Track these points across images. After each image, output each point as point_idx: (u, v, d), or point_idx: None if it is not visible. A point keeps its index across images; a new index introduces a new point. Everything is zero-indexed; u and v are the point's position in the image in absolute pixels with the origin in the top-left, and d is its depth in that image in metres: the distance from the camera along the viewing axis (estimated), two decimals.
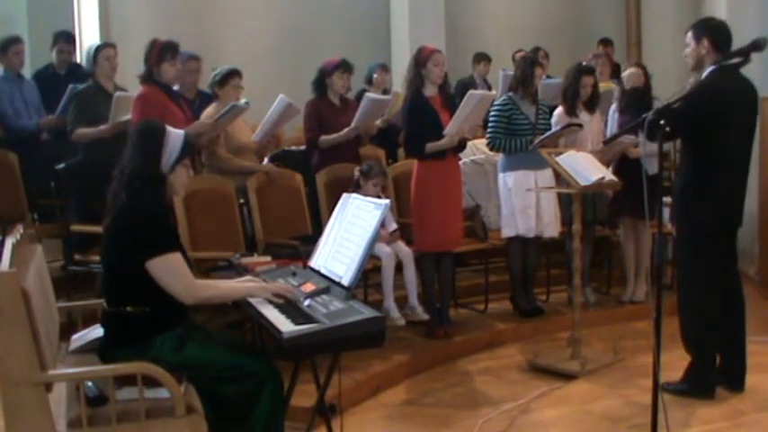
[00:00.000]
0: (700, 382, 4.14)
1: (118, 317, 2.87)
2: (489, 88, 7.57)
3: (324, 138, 5.40)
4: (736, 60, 3.84)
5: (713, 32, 4.03)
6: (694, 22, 4.18)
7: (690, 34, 4.08)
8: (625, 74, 5.91)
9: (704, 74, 4.01)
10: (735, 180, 4.07)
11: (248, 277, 3.28)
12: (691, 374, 4.18)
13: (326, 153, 5.44)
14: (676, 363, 4.20)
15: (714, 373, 4.18)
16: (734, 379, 4.21)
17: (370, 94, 5.65)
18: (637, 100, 5.69)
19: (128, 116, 4.94)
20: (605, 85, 6.48)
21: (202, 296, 2.91)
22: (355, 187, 4.89)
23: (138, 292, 2.84)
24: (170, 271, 2.83)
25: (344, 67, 5.47)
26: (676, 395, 4.11)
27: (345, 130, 5.37)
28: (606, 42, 8.61)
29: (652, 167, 5.12)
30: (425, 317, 5.13)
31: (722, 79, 3.92)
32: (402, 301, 5.11)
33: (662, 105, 3.46)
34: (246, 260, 4.13)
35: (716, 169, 3.99)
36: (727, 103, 3.91)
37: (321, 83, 5.48)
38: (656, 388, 3.22)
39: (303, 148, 5.87)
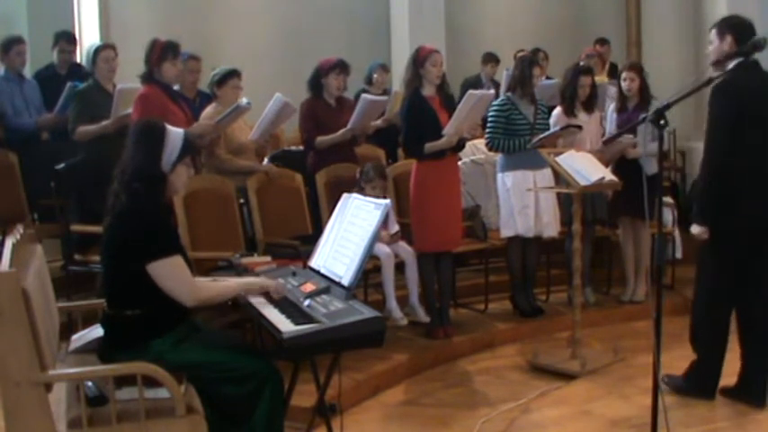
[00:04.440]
0: (701, 382, 4.10)
1: (118, 320, 2.87)
2: (498, 88, 7.56)
3: (320, 138, 5.38)
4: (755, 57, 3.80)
5: (737, 30, 3.95)
6: (719, 19, 4.09)
7: (713, 32, 4.02)
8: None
9: (726, 69, 3.91)
10: (754, 178, 3.94)
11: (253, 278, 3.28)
12: (693, 373, 4.14)
13: (322, 153, 5.42)
14: (676, 363, 4.19)
15: (718, 375, 4.09)
16: (755, 394, 4.04)
17: (366, 96, 5.64)
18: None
19: (130, 109, 4.92)
20: (599, 79, 6.49)
21: (203, 297, 2.91)
22: (358, 188, 4.88)
23: (137, 295, 2.83)
24: (171, 274, 2.82)
25: (341, 67, 5.44)
26: (675, 393, 4.09)
27: (341, 131, 5.36)
28: (603, 42, 8.61)
29: (650, 167, 5.13)
30: (426, 319, 5.12)
31: (743, 76, 3.85)
32: (404, 301, 5.11)
33: (662, 105, 3.45)
34: (246, 260, 4.12)
35: (735, 167, 3.89)
36: (747, 99, 3.85)
37: (317, 82, 5.45)
38: (656, 388, 3.22)
39: (303, 147, 5.86)
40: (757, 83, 3.91)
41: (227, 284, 3.07)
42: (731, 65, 3.90)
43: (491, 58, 8.24)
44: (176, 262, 2.84)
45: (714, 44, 4.02)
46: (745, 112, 3.85)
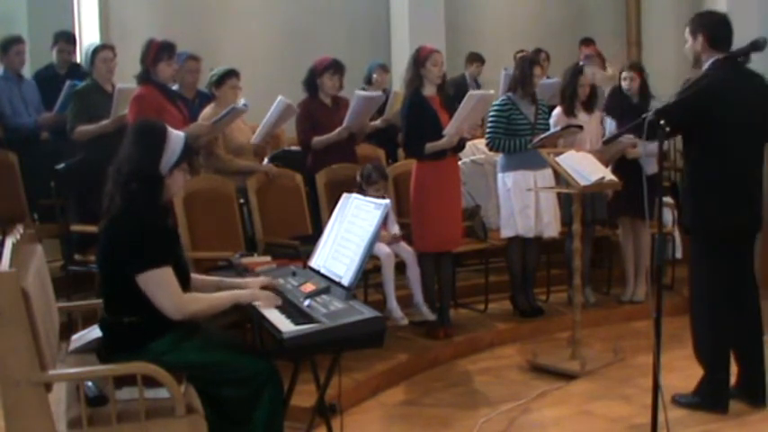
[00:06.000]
0: (712, 395, 3.96)
1: (116, 325, 2.86)
2: (479, 88, 7.56)
3: (317, 139, 5.35)
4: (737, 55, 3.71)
5: (709, 28, 3.80)
6: (692, 16, 3.93)
7: (687, 29, 3.88)
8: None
9: (704, 68, 3.81)
10: (737, 180, 3.81)
11: (254, 279, 3.27)
12: (703, 387, 4.00)
13: (321, 153, 5.40)
14: (676, 363, 4.19)
15: (728, 386, 3.97)
16: (755, 394, 3.98)
17: (360, 93, 5.60)
18: (620, 102, 5.68)
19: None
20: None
21: (190, 311, 2.84)
22: (359, 190, 4.88)
23: (134, 301, 2.79)
24: (158, 287, 2.77)
25: (335, 68, 5.40)
26: (688, 409, 3.98)
27: (337, 130, 5.33)
28: (588, 42, 8.58)
29: (650, 167, 5.13)
30: (432, 317, 5.09)
31: (720, 74, 3.73)
32: (404, 301, 5.11)
33: (661, 106, 3.45)
34: (246, 260, 4.12)
35: (715, 168, 3.79)
36: (723, 98, 3.70)
37: (312, 83, 5.43)
38: (656, 388, 3.22)
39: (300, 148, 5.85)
40: (732, 82, 3.76)
41: (217, 297, 2.99)
42: (707, 64, 3.79)
43: (476, 58, 8.23)
44: (163, 274, 2.78)
45: (688, 43, 3.87)
46: (715, 115, 3.71)
